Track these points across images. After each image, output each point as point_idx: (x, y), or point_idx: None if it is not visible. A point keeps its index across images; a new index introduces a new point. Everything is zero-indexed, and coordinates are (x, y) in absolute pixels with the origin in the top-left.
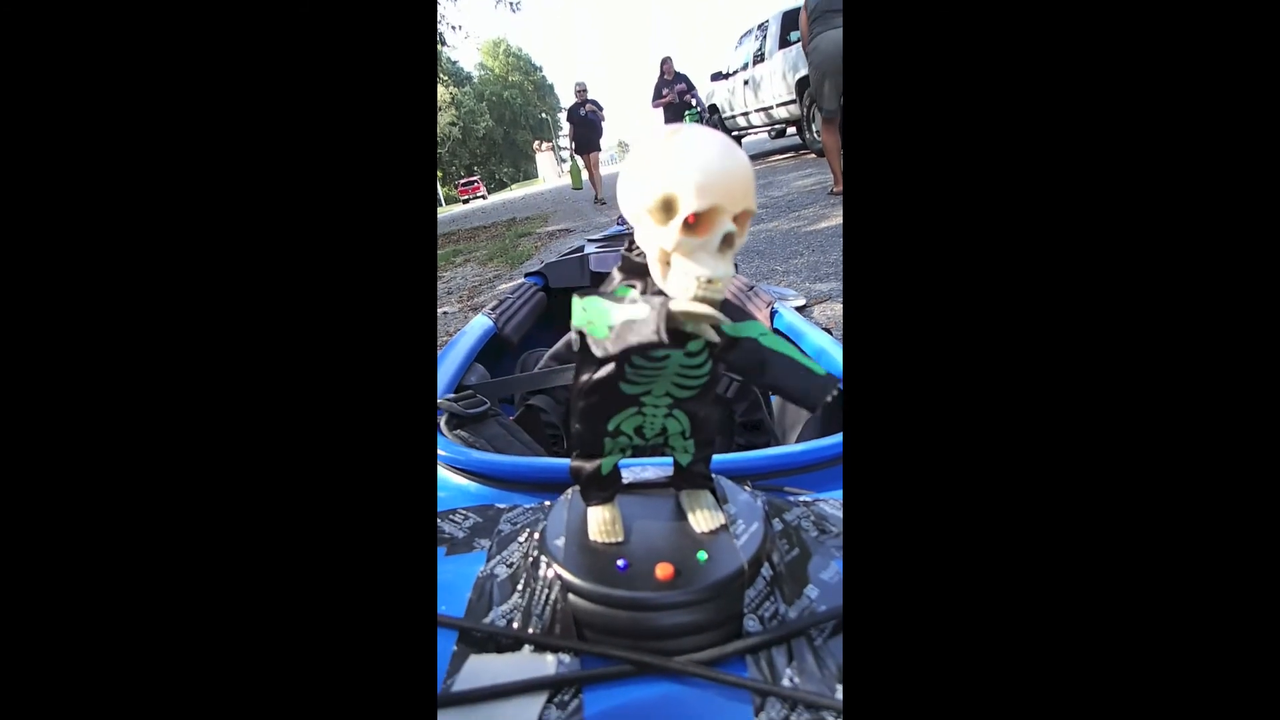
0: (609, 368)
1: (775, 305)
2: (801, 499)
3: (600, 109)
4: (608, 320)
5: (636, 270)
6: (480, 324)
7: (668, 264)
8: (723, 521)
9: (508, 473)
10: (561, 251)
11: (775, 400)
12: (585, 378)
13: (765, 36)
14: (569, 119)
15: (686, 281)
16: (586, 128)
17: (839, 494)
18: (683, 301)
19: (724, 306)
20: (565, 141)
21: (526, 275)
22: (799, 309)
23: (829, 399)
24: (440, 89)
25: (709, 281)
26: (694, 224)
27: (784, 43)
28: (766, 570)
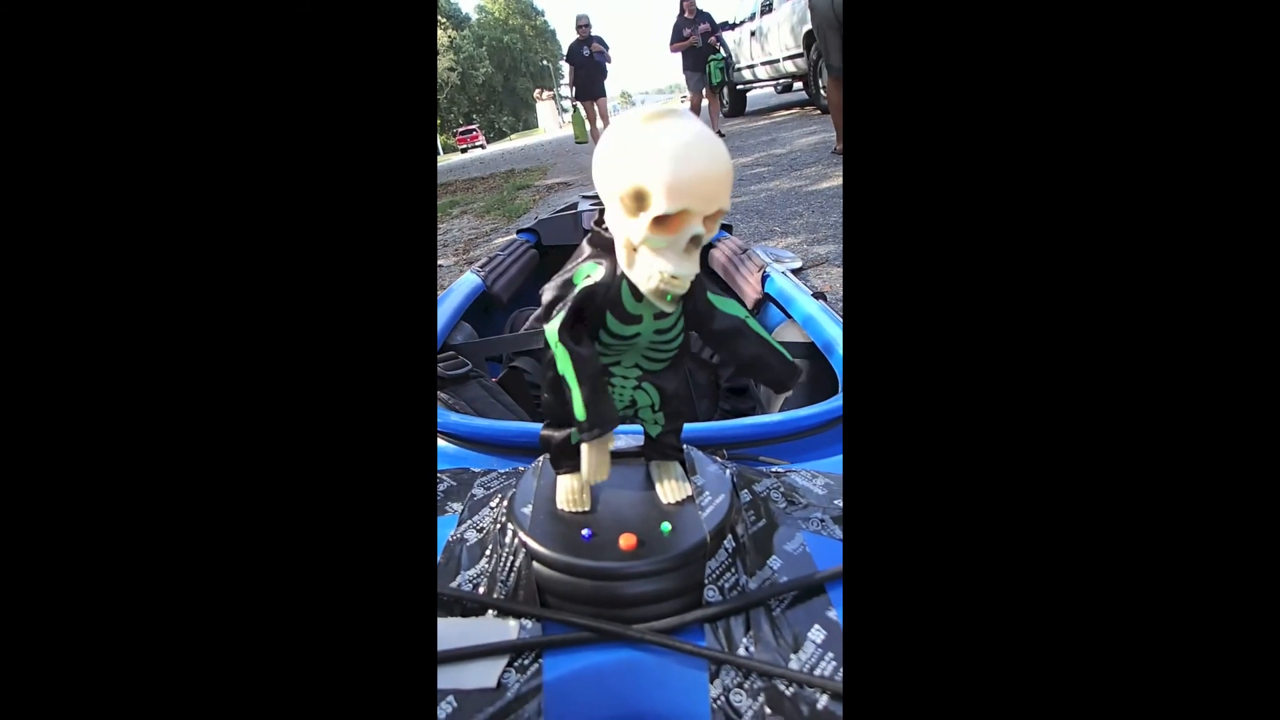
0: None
1: (767, 269)
2: (774, 469)
3: (606, 48)
4: (567, 378)
5: (605, 246)
6: (469, 281)
7: (634, 252)
8: (689, 493)
9: (484, 436)
10: (557, 207)
11: None
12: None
13: None
14: (569, 60)
15: (650, 274)
16: (590, 70)
17: (811, 465)
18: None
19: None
20: (566, 89)
21: (519, 232)
22: (795, 272)
23: (796, 383)
24: (438, 32)
25: (672, 278)
26: (663, 222)
27: None
28: (730, 542)
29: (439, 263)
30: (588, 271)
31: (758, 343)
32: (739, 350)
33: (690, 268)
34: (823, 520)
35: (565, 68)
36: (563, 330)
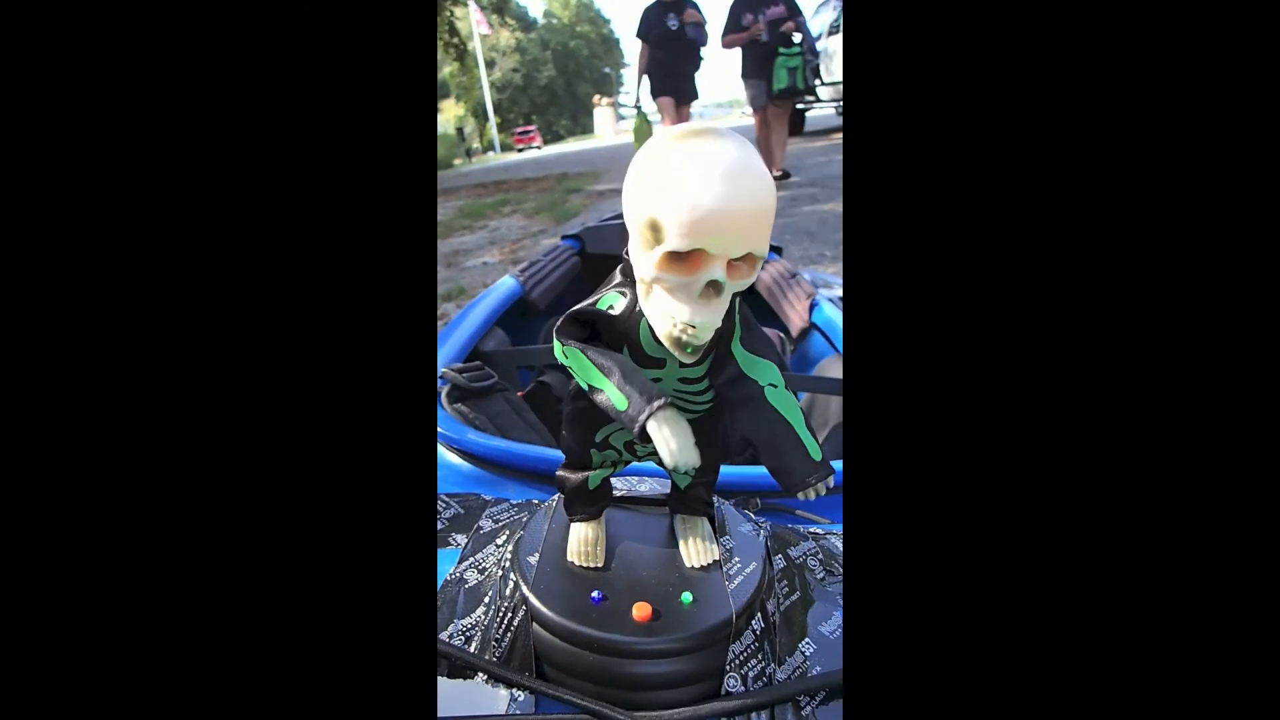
0: None
1: (816, 297)
2: (811, 530)
3: (704, 22)
4: (591, 381)
5: (633, 276)
6: (506, 285)
7: (650, 291)
8: (716, 556)
9: (500, 458)
10: (605, 215)
11: (801, 398)
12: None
13: (842, 7)
14: (645, 35)
15: (663, 318)
16: (676, 53)
17: None
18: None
19: (753, 298)
20: (628, 91)
21: (563, 238)
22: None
23: (810, 491)
24: (505, 33)
25: (688, 326)
26: (678, 260)
27: None
28: (758, 621)
29: (485, 259)
30: (610, 301)
31: (775, 422)
32: (750, 423)
33: (708, 317)
34: None
35: (637, 50)
36: (560, 332)
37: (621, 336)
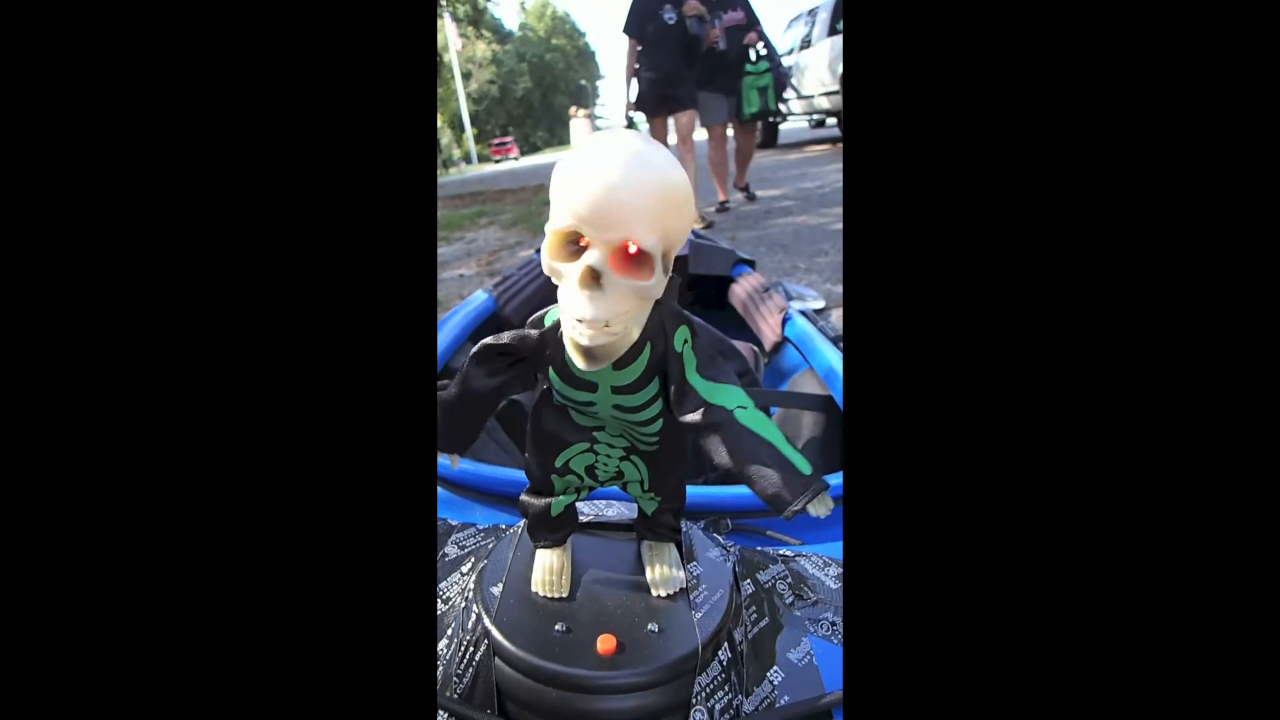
0: (540, 390)
1: (789, 310)
2: (781, 552)
3: (707, 15)
4: None
5: None
6: (478, 300)
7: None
8: (683, 584)
9: (469, 481)
10: None
11: (774, 413)
12: (535, 403)
13: (814, 22)
14: (637, 31)
15: (566, 322)
16: (669, 52)
17: (824, 548)
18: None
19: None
20: (623, 94)
21: (536, 252)
22: (818, 311)
23: (801, 506)
24: (481, 45)
25: (578, 320)
26: (566, 248)
27: (833, 30)
28: (725, 651)
29: (461, 271)
30: (555, 315)
31: (753, 445)
32: (726, 452)
33: (590, 311)
34: (834, 624)
35: (625, 48)
36: (480, 346)
37: (548, 359)
